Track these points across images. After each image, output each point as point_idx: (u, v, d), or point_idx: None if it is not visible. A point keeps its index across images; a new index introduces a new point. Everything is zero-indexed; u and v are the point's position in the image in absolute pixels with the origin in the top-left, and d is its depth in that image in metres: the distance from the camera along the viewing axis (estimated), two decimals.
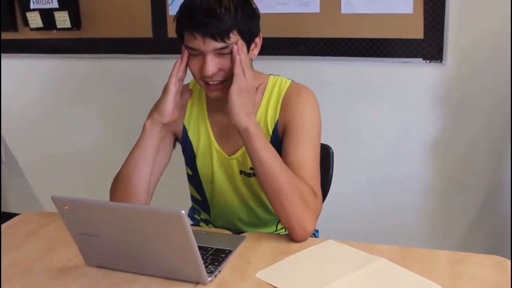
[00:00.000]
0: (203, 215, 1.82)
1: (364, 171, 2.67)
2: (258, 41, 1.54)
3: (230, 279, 1.30)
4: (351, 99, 2.60)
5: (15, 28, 3.04)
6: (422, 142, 2.57)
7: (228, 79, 1.47)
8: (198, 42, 1.42)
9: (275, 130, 1.59)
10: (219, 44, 1.42)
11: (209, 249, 1.41)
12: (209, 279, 1.27)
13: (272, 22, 2.54)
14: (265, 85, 1.61)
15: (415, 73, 2.48)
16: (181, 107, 1.58)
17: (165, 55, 2.81)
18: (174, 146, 1.73)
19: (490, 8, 2.34)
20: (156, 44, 2.81)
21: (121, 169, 1.64)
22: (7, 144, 3.35)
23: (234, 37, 1.43)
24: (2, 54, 3.12)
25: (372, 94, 2.57)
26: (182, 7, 1.48)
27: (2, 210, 3.42)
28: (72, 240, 1.35)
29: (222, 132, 1.64)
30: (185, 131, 1.68)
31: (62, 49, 2.99)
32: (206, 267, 1.30)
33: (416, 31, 2.41)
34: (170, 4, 2.71)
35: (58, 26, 2.92)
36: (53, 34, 2.96)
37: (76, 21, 2.89)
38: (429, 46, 2.41)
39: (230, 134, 1.58)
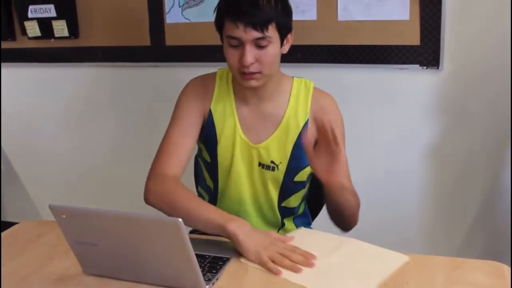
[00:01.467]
0: None
1: (362, 179, 2.65)
2: (290, 37, 1.63)
3: (228, 287, 1.30)
4: (348, 106, 2.57)
5: (13, 37, 3.04)
6: (420, 148, 2.57)
7: (262, 71, 1.55)
8: (239, 31, 1.49)
9: (305, 125, 1.67)
10: (258, 34, 1.50)
11: (207, 256, 1.41)
12: (207, 286, 1.27)
13: None
14: (291, 84, 1.72)
15: (411, 79, 2.49)
16: None
17: (163, 63, 2.82)
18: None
19: (487, 14, 2.34)
20: (154, 52, 2.81)
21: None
22: (6, 152, 3.35)
23: (272, 29, 1.52)
24: (0, 63, 3.13)
25: (369, 100, 2.58)
26: None
27: (1, 219, 3.41)
28: (70, 249, 1.35)
29: (248, 122, 1.70)
30: (210, 115, 1.70)
31: (60, 57, 2.99)
32: (204, 274, 1.30)
33: (413, 38, 2.42)
34: (168, 13, 2.72)
35: (56, 35, 2.93)
36: (51, 43, 2.97)
37: (74, 30, 2.89)
38: (426, 52, 2.41)
39: (256, 124, 1.69)
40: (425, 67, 2.44)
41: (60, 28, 2.90)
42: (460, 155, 2.53)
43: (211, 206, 1.56)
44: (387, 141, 2.61)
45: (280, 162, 1.68)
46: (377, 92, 2.56)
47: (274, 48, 1.54)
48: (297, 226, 1.81)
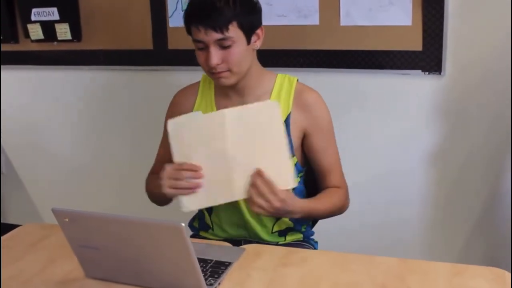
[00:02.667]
0: (206, 219, 1.84)
1: (363, 183, 2.67)
2: (261, 33, 1.67)
3: None
4: (350, 111, 2.60)
5: (16, 40, 3.05)
6: (422, 153, 2.57)
7: (231, 69, 1.60)
8: (201, 34, 1.56)
9: (286, 120, 1.68)
10: (219, 35, 1.55)
11: (209, 261, 1.42)
12: None
13: (272, 35, 2.53)
14: (274, 79, 1.74)
15: (414, 85, 2.49)
16: None
17: (166, 66, 2.82)
18: None
19: (489, 20, 2.34)
20: (157, 55, 2.82)
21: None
22: (8, 155, 3.35)
23: (233, 28, 1.56)
24: (3, 66, 3.13)
25: (371, 106, 2.58)
26: (189, 4, 1.62)
27: (3, 221, 3.42)
28: (72, 252, 1.35)
29: None
30: None
31: (62, 60, 3.00)
32: (205, 279, 1.30)
33: (415, 43, 2.42)
34: (170, 16, 2.72)
35: (59, 38, 2.93)
36: (54, 46, 2.97)
37: (76, 33, 2.90)
38: (428, 58, 2.42)
39: None
40: (428, 73, 2.44)
41: (63, 31, 2.91)
42: (461, 160, 2.53)
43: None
44: (389, 146, 2.60)
45: None
46: (379, 97, 2.56)
47: (239, 46, 1.59)
48: (295, 225, 1.80)
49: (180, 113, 1.75)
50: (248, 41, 1.61)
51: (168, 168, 1.51)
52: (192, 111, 1.76)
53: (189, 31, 1.62)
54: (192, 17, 1.58)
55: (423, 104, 2.51)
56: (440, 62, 2.40)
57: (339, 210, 1.72)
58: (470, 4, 2.35)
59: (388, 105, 2.56)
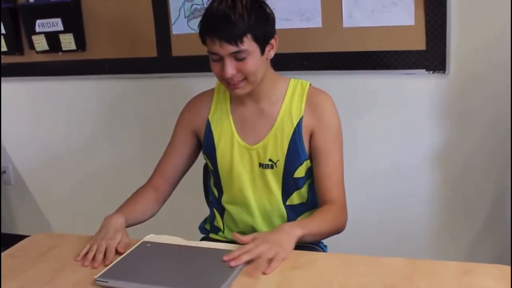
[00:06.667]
0: (217, 222, 1.87)
1: (368, 184, 2.67)
2: (274, 42, 1.68)
3: None
4: (355, 112, 2.60)
5: (21, 52, 3.07)
6: (427, 153, 2.56)
7: (247, 78, 1.62)
8: (216, 47, 1.57)
9: (299, 123, 1.71)
10: (234, 48, 1.56)
11: None
12: None
13: None
14: (287, 84, 1.76)
15: (418, 84, 2.49)
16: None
17: (170, 74, 2.83)
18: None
19: (492, 17, 2.34)
20: (161, 63, 2.83)
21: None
22: (16, 167, 3.37)
23: (248, 41, 1.57)
24: (9, 78, 3.15)
25: (376, 106, 2.57)
26: (203, 16, 1.64)
27: (12, 232, 3.44)
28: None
29: (244, 124, 1.77)
30: (208, 125, 1.79)
31: (68, 71, 3.01)
32: None
33: (419, 43, 2.42)
34: (173, 24, 2.73)
35: (64, 48, 2.95)
36: (58, 56, 2.99)
37: (81, 43, 2.91)
38: (432, 57, 2.41)
39: (252, 125, 1.75)
40: (432, 72, 2.43)
41: (68, 41, 2.92)
42: (467, 158, 2.52)
43: (124, 204, 1.80)
44: (394, 146, 2.60)
45: (278, 160, 1.72)
46: (384, 97, 2.56)
47: (254, 58, 1.60)
48: None
49: (194, 120, 1.82)
50: (262, 51, 1.62)
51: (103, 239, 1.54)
52: (207, 118, 1.79)
53: (204, 42, 1.63)
54: (207, 30, 1.59)
55: (428, 103, 2.51)
56: (444, 61, 2.40)
57: (336, 229, 1.70)
58: (472, 2, 2.35)
59: (393, 105, 2.56)
